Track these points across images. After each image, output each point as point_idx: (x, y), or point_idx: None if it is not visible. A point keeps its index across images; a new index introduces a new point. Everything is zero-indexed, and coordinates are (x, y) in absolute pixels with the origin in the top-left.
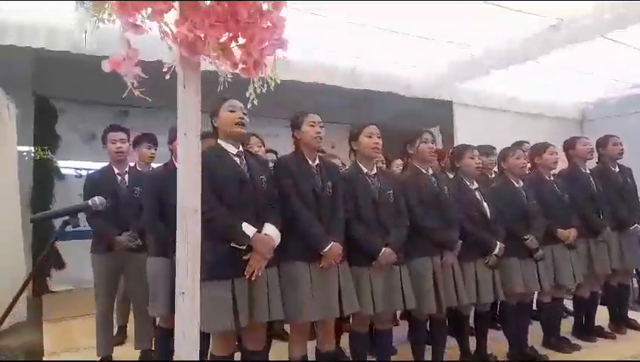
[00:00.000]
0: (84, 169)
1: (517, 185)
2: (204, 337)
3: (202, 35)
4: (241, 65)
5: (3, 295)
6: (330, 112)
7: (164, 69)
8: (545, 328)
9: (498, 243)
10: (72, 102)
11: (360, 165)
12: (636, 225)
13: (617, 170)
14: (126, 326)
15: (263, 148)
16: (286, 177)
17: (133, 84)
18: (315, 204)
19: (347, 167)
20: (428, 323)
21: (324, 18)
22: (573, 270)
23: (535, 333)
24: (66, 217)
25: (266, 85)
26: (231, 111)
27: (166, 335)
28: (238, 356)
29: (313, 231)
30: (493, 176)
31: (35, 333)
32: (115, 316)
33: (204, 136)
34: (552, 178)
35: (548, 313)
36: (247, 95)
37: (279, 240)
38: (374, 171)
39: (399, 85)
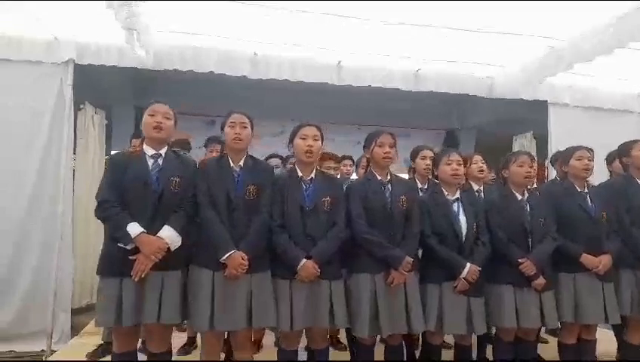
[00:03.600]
0: None
1: (519, 197)
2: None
3: None
4: None
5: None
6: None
7: None
8: None
9: (469, 264)
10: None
11: (297, 168)
12: None
13: None
14: None
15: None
16: (201, 181)
17: None
18: (228, 208)
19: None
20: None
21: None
22: (606, 306)
23: None
24: None
25: None
26: (150, 115)
27: None
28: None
29: (216, 238)
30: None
31: None
32: None
33: None
34: (585, 189)
35: (571, 359)
36: None
37: (177, 243)
38: (311, 176)
39: (480, 87)
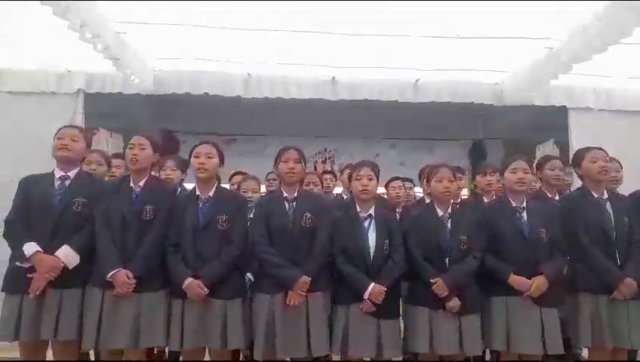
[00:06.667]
0: None
1: (440, 213)
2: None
3: None
4: None
5: None
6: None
7: None
8: None
9: (372, 284)
10: (189, 133)
11: (196, 188)
12: None
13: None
14: None
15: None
16: (100, 201)
17: None
18: (122, 227)
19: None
20: None
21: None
22: (544, 334)
23: None
24: None
25: None
26: (58, 139)
27: None
28: None
29: (103, 255)
30: None
31: None
32: None
33: None
34: (523, 205)
35: None
36: None
37: (75, 261)
38: (209, 194)
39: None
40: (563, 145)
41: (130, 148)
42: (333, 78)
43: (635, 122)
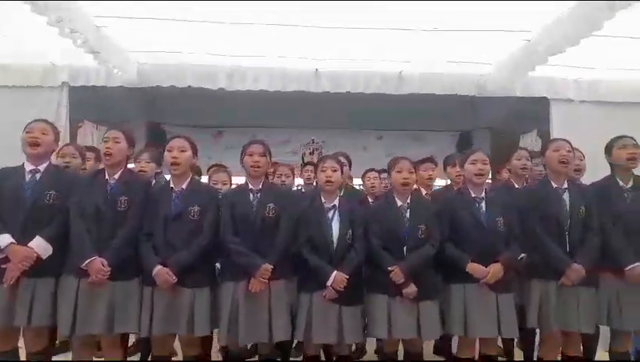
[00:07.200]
0: None
1: (399, 203)
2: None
3: None
4: None
5: None
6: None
7: None
8: None
9: (335, 272)
10: (177, 126)
11: (170, 181)
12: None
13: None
14: None
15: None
16: (74, 193)
17: None
18: (97, 218)
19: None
20: None
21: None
22: (500, 318)
23: None
24: None
25: None
26: (27, 132)
27: None
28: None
29: (77, 245)
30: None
31: None
32: None
33: None
34: (482, 194)
35: None
36: None
37: (48, 251)
38: (182, 186)
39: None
40: (545, 136)
41: (105, 142)
42: (317, 70)
43: (616, 113)
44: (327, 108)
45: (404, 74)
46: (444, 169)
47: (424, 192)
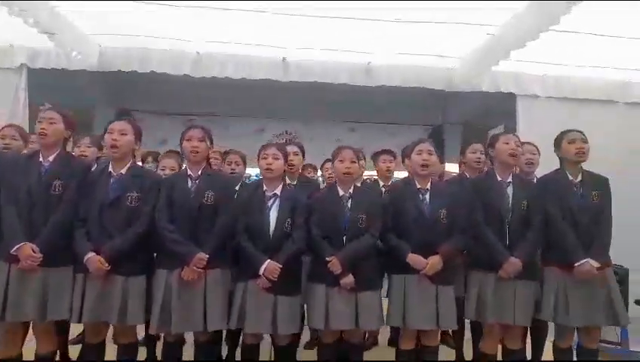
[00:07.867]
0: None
1: (341, 193)
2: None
3: None
4: None
5: None
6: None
7: None
8: None
9: (267, 261)
10: (147, 113)
11: (109, 165)
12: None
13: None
14: None
15: None
16: (5, 175)
17: None
18: (29, 202)
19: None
20: None
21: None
22: (439, 311)
23: None
24: None
25: None
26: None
27: None
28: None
29: (7, 230)
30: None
31: None
32: None
33: None
34: (427, 186)
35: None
36: None
37: None
38: (122, 171)
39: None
40: (512, 131)
41: (40, 123)
42: (284, 58)
43: (581, 109)
44: (300, 99)
45: (372, 65)
46: (402, 161)
47: (381, 184)
